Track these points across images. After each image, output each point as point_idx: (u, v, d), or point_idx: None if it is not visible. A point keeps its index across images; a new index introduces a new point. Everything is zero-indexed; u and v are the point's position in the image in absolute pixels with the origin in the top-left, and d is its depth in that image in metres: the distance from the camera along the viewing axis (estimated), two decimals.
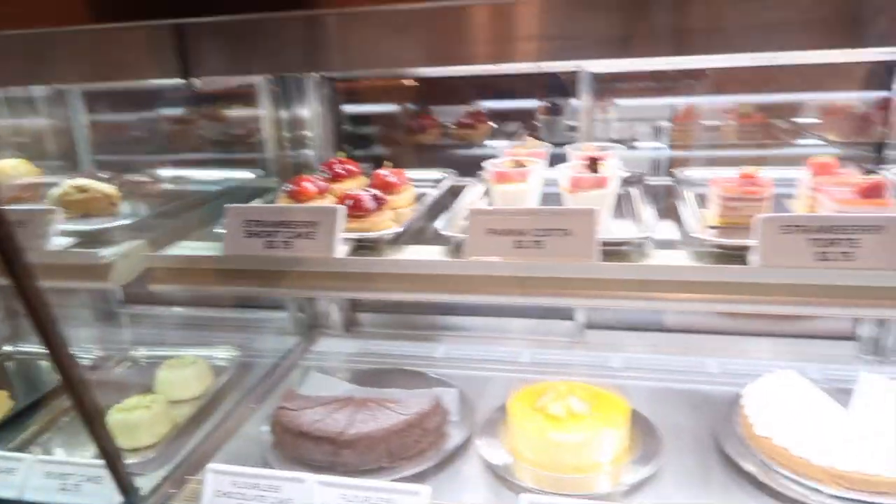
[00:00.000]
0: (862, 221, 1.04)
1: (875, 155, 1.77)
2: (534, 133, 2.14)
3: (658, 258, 1.18)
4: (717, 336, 2.00)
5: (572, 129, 1.97)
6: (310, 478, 1.38)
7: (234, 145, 2.21)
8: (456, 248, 1.26)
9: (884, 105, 1.75)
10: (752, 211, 1.28)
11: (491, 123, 2.20)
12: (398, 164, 1.66)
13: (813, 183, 1.33)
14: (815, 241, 1.07)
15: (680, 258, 1.18)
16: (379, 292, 1.32)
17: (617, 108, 1.99)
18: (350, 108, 2.15)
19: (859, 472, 1.30)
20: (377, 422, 1.53)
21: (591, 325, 2.07)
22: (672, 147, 2.01)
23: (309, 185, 1.52)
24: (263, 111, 1.99)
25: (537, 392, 1.60)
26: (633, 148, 2.02)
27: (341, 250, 1.28)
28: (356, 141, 2.18)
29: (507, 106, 2.23)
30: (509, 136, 2.19)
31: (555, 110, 2.13)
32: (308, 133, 2.04)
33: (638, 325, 2.13)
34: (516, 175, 1.37)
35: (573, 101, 1.92)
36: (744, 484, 1.41)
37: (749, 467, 1.42)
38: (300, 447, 1.53)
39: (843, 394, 1.57)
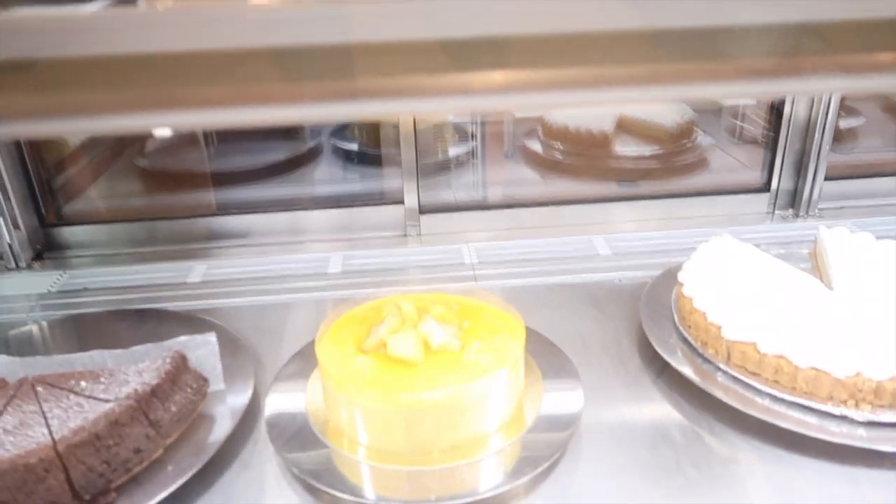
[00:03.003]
0: None
1: None
2: None
3: None
4: (591, 206, 1.45)
5: None
6: None
7: None
8: None
9: None
10: None
11: None
12: None
13: None
14: None
15: None
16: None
17: None
18: None
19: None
20: (48, 426, 0.74)
21: (426, 209, 1.41)
22: None
23: None
24: None
25: (365, 319, 0.91)
26: None
27: None
28: None
29: None
30: None
31: None
32: None
33: (489, 202, 1.53)
34: None
35: None
36: (719, 424, 0.87)
37: (732, 400, 0.86)
38: None
39: (791, 260, 1.09)
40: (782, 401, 0.85)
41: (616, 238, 1.35)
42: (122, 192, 1.60)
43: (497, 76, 0.47)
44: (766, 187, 1.43)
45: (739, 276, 1.00)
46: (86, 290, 1.26)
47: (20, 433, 0.73)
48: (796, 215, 1.43)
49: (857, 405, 0.82)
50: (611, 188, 1.57)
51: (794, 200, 1.43)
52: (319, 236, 1.42)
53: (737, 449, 0.84)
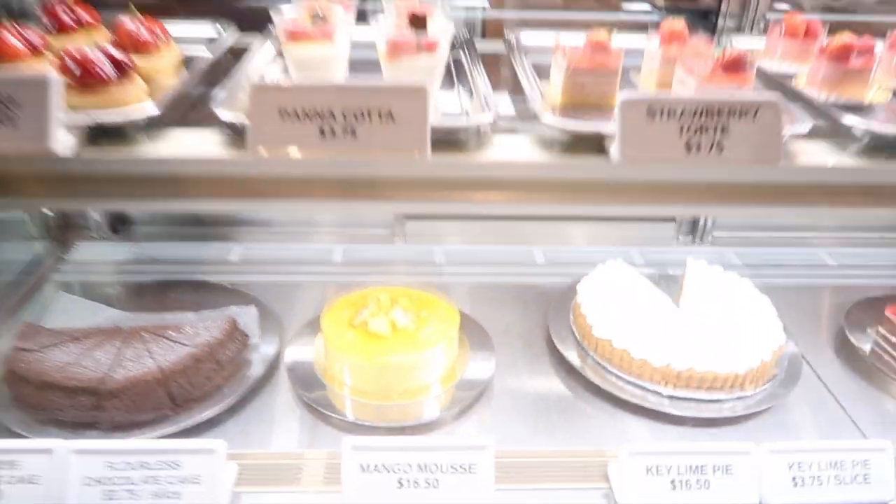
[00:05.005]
0: (738, 103, 0.87)
1: (703, 22, 1.64)
2: None
3: (501, 150, 0.94)
4: (541, 222, 1.88)
5: None
6: (61, 446, 1.04)
7: None
8: (238, 136, 0.92)
9: None
10: (604, 88, 1.08)
11: None
12: (156, 11, 1.23)
13: (665, 54, 1.15)
14: (685, 129, 0.88)
15: (528, 150, 0.94)
16: (125, 201, 0.95)
17: None
18: None
19: (693, 371, 1.25)
20: (154, 359, 1.20)
21: (411, 216, 1.84)
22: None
23: (15, 40, 1.05)
24: None
25: (355, 304, 1.36)
26: None
27: (64, 141, 0.88)
28: None
29: None
30: None
31: None
32: None
33: (461, 213, 1.95)
34: (317, 33, 1.02)
35: None
36: (582, 391, 1.32)
37: (591, 375, 1.32)
38: (48, 402, 1.16)
39: (670, 281, 1.53)
40: (623, 379, 1.30)
41: (550, 250, 1.79)
42: None
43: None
44: (671, 218, 1.86)
45: (616, 291, 1.44)
46: (154, 261, 1.70)
47: (137, 362, 1.19)
48: (693, 241, 1.86)
49: (666, 385, 1.27)
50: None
51: (694, 229, 1.86)
52: (327, 228, 1.85)
53: (592, 408, 1.29)
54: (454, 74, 1.22)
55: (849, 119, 0.98)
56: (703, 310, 1.39)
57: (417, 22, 1.01)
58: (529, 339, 1.47)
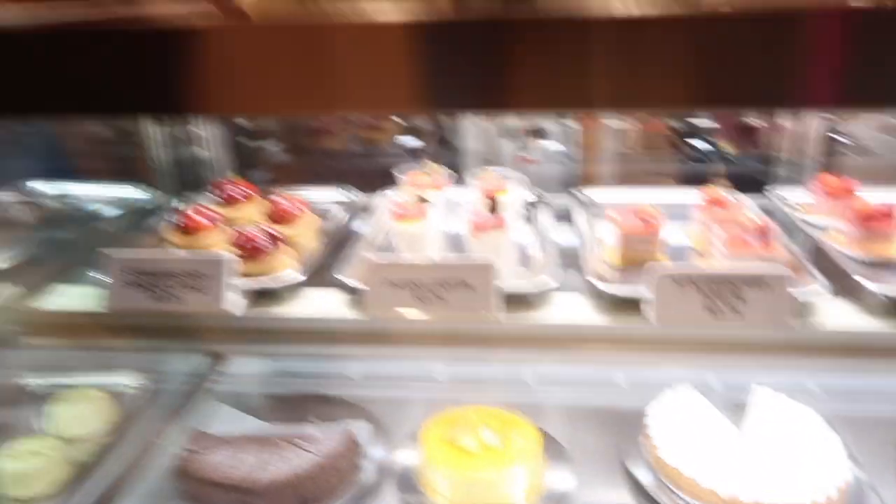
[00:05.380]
0: (748, 275, 1.07)
1: (766, 168, 1.83)
2: (442, 141, 2.14)
3: (560, 307, 1.19)
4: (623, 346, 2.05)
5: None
6: None
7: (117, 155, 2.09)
8: (357, 295, 1.23)
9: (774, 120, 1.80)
10: (650, 249, 1.31)
11: (398, 121, 2.17)
12: (300, 173, 1.61)
13: (706, 218, 1.36)
14: (707, 295, 1.08)
15: (582, 307, 1.18)
16: (274, 347, 1.27)
17: None
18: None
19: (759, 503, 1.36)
20: (288, 464, 1.49)
21: None
22: (581, 150, 2.04)
23: (200, 217, 1.45)
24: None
25: (450, 422, 1.59)
26: (541, 138, 2.07)
27: (234, 301, 1.22)
28: (252, 137, 2.09)
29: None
30: (417, 133, 2.18)
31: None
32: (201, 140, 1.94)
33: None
34: (415, 213, 1.34)
35: None
36: None
37: (664, 500, 1.46)
38: (206, 496, 1.48)
39: (738, 408, 1.64)
40: None
41: (632, 372, 1.95)
42: None
43: None
44: None
45: (682, 418, 1.58)
46: (290, 374, 2.04)
47: (275, 467, 1.48)
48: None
49: None
50: None
51: None
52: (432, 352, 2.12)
53: None
54: (529, 229, 1.50)
55: (864, 282, 1.14)
56: (765, 439, 1.50)
57: (492, 204, 1.29)
58: (607, 459, 1.63)
